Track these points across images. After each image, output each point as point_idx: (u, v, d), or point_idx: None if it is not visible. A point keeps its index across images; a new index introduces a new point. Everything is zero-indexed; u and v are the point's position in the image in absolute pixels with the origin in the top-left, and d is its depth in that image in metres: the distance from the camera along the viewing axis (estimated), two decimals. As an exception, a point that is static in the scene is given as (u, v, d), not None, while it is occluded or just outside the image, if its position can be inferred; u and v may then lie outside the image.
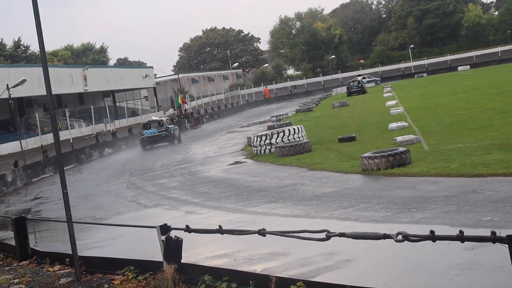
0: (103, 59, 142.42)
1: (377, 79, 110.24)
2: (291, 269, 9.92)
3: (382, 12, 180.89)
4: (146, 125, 48.22)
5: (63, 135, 56.84)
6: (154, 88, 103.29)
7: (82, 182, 32.67)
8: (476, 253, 9.15)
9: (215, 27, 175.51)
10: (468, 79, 73.75)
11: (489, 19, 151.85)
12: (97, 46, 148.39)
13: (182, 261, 9.50)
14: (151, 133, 47.27)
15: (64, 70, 78.46)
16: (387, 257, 9.88)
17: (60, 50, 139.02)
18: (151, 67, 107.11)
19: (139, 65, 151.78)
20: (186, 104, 77.48)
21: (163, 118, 52.53)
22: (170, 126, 49.05)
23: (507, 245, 5.03)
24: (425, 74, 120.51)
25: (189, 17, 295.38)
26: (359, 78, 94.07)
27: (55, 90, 61.84)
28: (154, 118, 53.59)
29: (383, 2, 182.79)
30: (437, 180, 16.34)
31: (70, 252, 11.32)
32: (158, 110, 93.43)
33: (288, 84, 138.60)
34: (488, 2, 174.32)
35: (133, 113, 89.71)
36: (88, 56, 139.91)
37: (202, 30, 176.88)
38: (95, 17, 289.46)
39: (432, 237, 5.73)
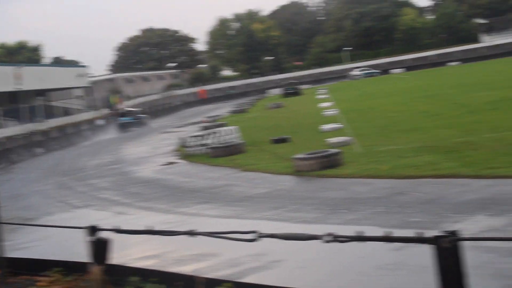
0: (38, 58, 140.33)
1: (377, 71, 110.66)
2: (220, 270, 9.83)
3: (320, 15, 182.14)
4: (123, 114, 63.19)
5: (-6, 133, 55.83)
6: (89, 88, 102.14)
7: (12, 182, 32.05)
8: (407, 254, 9.21)
9: (153, 27, 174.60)
10: (402, 82, 74.76)
11: (424, 23, 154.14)
12: (32, 44, 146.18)
13: (111, 262, 9.35)
14: (125, 120, 61.57)
15: (-4, 68, 77.00)
16: (316, 258, 9.87)
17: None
18: (86, 66, 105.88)
19: (75, 64, 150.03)
20: (121, 104, 76.86)
21: (134, 109, 66.19)
22: (141, 115, 62.59)
23: (434, 246, 5.04)
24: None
25: (127, 17, 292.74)
26: (357, 70, 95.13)
27: (-14, 88, 60.79)
28: (127, 108, 67.51)
29: (321, 5, 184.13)
30: (368, 182, 16.48)
31: (-5, 253, 11.04)
32: (92, 110, 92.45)
33: (224, 85, 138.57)
34: (423, 7, 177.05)
35: (67, 112, 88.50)
36: (22, 55, 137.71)
37: (140, 30, 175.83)
38: (30, 15, 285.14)
39: (360, 237, 5.71)
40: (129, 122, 61.25)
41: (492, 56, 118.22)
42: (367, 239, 5.77)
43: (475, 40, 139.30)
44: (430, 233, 5.13)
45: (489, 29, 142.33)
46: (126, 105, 79.26)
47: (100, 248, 9.27)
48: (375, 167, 18.07)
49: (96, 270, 9.12)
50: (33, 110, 76.90)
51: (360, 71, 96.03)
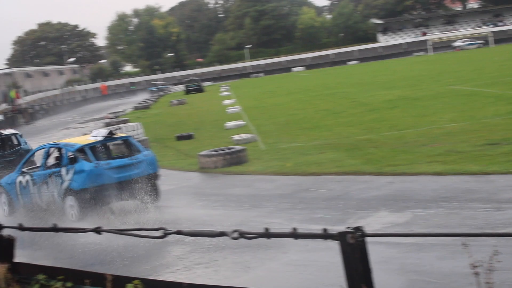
0: None
1: (481, 41, 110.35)
2: (129, 267, 9.89)
3: (220, 12, 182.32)
4: None
5: None
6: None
7: None
8: (312, 250, 9.44)
9: (50, 21, 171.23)
10: (302, 80, 75.64)
11: (322, 22, 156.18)
12: None
13: (15, 260, 9.24)
14: None
15: None
16: (223, 254, 10.02)
17: None
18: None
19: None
20: (19, 99, 75.20)
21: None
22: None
23: (338, 242, 5.20)
24: (261, 74, 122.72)
25: (24, 11, 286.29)
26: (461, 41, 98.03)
27: None
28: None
29: (220, 2, 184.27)
30: (272, 179, 16.70)
31: None
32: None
33: (126, 81, 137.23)
34: (321, 6, 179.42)
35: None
36: None
37: (37, 24, 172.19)
38: None
39: (267, 234, 5.85)
40: None
41: (388, 56, 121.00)
42: (274, 235, 5.93)
43: (373, 40, 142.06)
44: (335, 229, 5.34)
45: (385, 30, 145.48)
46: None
47: (4, 245, 9.16)
48: (279, 164, 18.32)
49: (0, 268, 9.02)
50: None
51: (463, 42, 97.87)
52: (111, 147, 18.78)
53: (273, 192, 14.89)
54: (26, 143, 24.24)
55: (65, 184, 15.48)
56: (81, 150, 15.95)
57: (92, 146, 16.39)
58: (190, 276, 9.14)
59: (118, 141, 18.21)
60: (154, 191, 15.85)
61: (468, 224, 10.06)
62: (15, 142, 24.25)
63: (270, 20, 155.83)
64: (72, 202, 15.34)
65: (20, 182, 16.64)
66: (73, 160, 15.78)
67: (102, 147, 17.40)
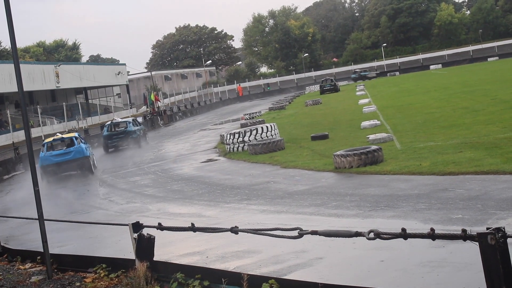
0: (76, 56, 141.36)
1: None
2: (263, 267, 9.94)
3: (355, 11, 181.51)
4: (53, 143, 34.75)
5: (35, 132, 56.49)
6: (127, 85, 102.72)
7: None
8: (450, 251, 9.22)
9: (189, 25, 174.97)
10: (440, 78, 74.27)
11: (461, 18, 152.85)
12: (70, 42, 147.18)
13: (155, 258, 9.47)
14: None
15: (36, 66, 77.84)
16: (359, 254, 9.93)
17: (32, 46, 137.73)
18: (124, 64, 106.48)
19: (112, 62, 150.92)
20: (158, 102, 77.23)
21: (126, 119, 47.08)
22: (133, 128, 44.03)
23: (477, 243, 5.06)
24: (397, 73, 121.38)
25: (163, 14, 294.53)
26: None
27: (26, 87, 61.35)
28: (116, 119, 50.53)
29: (356, 1, 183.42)
30: (409, 178, 16.43)
31: (42, 250, 11.22)
32: (130, 108, 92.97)
33: (261, 82, 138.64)
34: (460, 2, 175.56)
35: (106, 110, 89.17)
36: (61, 53, 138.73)
37: (175, 28, 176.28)
38: (67, 14, 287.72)
39: (404, 234, 5.76)
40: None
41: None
42: (411, 236, 5.82)
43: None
44: (474, 230, 5.17)
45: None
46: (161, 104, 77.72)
47: (144, 244, 9.41)
48: (416, 163, 18.01)
49: (140, 266, 9.26)
50: (73, 108, 77.65)
51: None
52: (66, 142, 32.92)
53: (409, 192, 14.64)
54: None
55: None
56: (43, 145, 31.71)
57: (49, 142, 31.88)
58: (323, 275, 9.09)
59: (67, 139, 32.66)
60: (86, 167, 31.14)
61: None
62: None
63: (406, 18, 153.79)
64: (39, 173, 27.21)
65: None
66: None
67: (59, 142, 32.78)
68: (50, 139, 32.27)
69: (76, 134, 33.74)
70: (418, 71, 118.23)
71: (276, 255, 10.51)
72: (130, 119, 46.17)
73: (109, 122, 45.80)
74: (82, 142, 32.74)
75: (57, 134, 34.90)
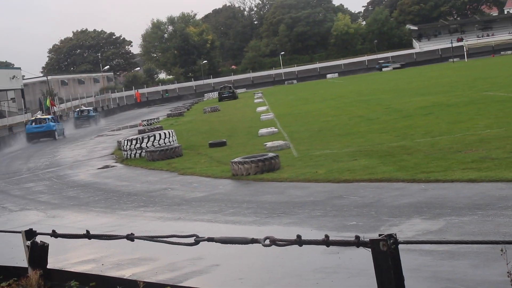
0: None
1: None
2: (160, 274, 9.89)
3: (254, 19, 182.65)
4: (34, 120, 57.27)
5: None
6: (22, 90, 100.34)
7: None
8: (340, 257, 9.37)
9: (86, 29, 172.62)
10: (336, 87, 75.62)
11: (357, 28, 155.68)
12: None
13: (48, 266, 9.28)
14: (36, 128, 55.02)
15: None
16: (255, 261, 9.99)
17: None
18: (19, 68, 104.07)
19: (6, 65, 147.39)
20: (54, 107, 75.95)
21: (48, 116, 59.96)
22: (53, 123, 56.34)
23: (370, 249, 5.16)
24: (295, 81, 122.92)
25: (59, 18, 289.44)
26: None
27: None
28: (39, 116, 62.62)
29: (255, 9, 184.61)
30: (305, 186, 16.64)
31: None
32: (25, 113, 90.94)
33: (160, 88, 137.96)
34: (356, 12, 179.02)
35: (0, 115, 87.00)
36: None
37: (73, 32, 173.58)
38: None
39: (299, 241, 5.81)
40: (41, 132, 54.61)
41: (422, 62, 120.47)
42: (306, 242, 5.89)
43: (408, 46, 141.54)
44: (368, 237, 5.28)
45: (420, 36, 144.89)
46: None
47: (37, 252, 9.20)
48: (312, 171, 18.25)
49: (33, 274, 9.05)
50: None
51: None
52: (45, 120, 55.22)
53: (306, 199, 14.83)
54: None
55: None
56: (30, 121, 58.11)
57: (34, 119, 56.45)
58: (219, 283, 9.11)
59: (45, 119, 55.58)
60: (52, 136, 53.80)
61: (503, 232, 9.91)
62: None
63: (304, 27, 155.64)
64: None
65: None
66: None
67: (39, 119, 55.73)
68: (33, 118, 61.04)
69: (50, 116, 58.85)
70: (315, 79, 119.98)
71: (172, 262, 10.47)
72: (50, 116, 59.45)
73: (32, 118, 61.85)
74: (51, 121, 56.13)
75: (37, 115, 64.80)
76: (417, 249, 9.06)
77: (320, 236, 5.87)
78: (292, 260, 9.59)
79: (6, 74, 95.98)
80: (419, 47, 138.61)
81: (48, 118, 55.58)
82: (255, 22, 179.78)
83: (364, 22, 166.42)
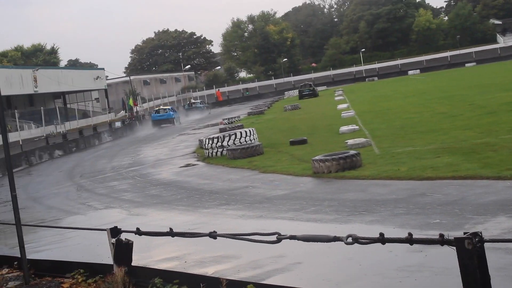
0: (54, 60, 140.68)
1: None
2: (242, 272, 9.92)
3: (334, 16, 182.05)
4: (157, 110, 73.75)
5: (12, 136, 56.05)
6: (106, 90, 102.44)
7: (31, 184, 32.23)
8: (424, 256, 9.25)
9: (168, 29, 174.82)
10: (418, 83, 74.62)
11: (439, 24, 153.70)
12: (48, 47, 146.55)
13: (133, 263, 9.42)
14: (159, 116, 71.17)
15: (13, 71, 77.47)
16: (337, 259, 9.93)
17: (10, 51, 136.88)
18: (103, 68, 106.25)
19: (91, 66, 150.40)
20: (136, 106, 77.18)
21: (168, 107, 77.00)
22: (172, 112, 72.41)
23: (454, 248, 5.08)
24: (376, 78, 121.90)
25: (141, 19, 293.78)
26: None
27: (4, 91, 61.01)
28: (162, 107, 78.50)
29: (335, 6, 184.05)
30: (387, 183, 16.48)
31: (19, 255, 11.14)
32: (109, 112, 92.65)
33: (240, 86, 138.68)
34: (438, 7, 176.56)
35: (84, 115, 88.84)
36: (39, 57, 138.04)
37: (154, 32, 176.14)
38: (46, 18, 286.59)
39: (382, 239, 5.77)
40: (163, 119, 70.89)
41: (507, 57, 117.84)
42: (389, 241, 5.83)
43: (491, 41, 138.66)
44: (452, 235, 5.19)
45: (504, 30, 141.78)
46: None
47: (122, 249, 9.36)
48: (394, 168, 18.07)
49: (118, 271, 9.21)
50: (51, 112, 77.25)
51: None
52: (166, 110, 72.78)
53: (388, 196, 14.68)
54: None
55: None
56: (154, 110, 75.76)
57: (157, 110, 74.30)
58: (302, 280, 9.09)
59: (167, 109, 73.15)
60: (172, 122, 69.13)
61: None
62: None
63: (385, 23, 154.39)
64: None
65: None
66: None
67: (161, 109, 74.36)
68: (157, 108, 76.87)
69: (170, 107, 75.53)
70: (396, 76, 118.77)
71: (254, 260, 10.49)
72: (170, 107, 76.26)
73: (156, 109, 77.20)
74: (170, 111, 72.24)
75: (161, 106, 79.49)
76: (503, 247, 8.86)
77: (403, 234, 5.80)
78: (374, 259, 9.50)
79: (90, 74, 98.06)
80: (504, 41, 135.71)
81: (169, 109, 73.72)
82: (335, 20, 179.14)
83: (446, 18, 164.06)
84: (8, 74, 72.01)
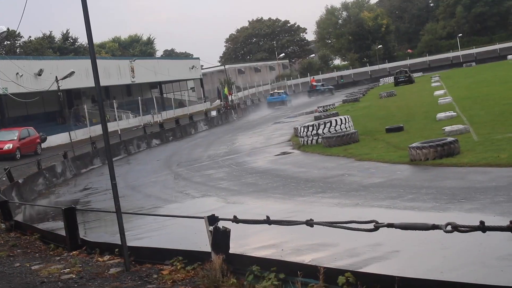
0: (150, 51, 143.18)
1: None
2: (339, 260, 9.90)
3: (430, 1, 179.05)
4: (272, 94, 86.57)
5: (111, 126, 57.29)
6: (201, 79, 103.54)
7: (130, 173, 32.86)
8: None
9: (261, 18, 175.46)
10: (518, 68, 72.79)
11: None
12: (144, 37, 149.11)
13: (230, 251, 9.50)
14: (274, 99, 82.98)
15: (111, 62, 79.16)
16: (435, 248, 9.80)
17: (107, 42, 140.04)
18: (198, 58, 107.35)
19: (186, 56, 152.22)
20: (231, 95, 77.77)
21: (282, 91, 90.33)
22: (285, 96, 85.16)
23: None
24: (473, 63, 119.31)
25: (235, 8, 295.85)
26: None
27: (103, 82, 62.08)
28: (276, 91, 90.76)
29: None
30: (486, 171, 16.17)
31: (119, 243, 11.38)
32: (204, 101, 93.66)
33: (335, 74, 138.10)
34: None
35: (180, 104, 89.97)
36: (135, 48, 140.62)
37: (248, 21, 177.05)
38: (141, 9, 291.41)
39: (482, 227, 5.66)
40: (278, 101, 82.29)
41: None
42: (489, 229, 5.71)
43: None
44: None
45: None
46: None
47: (220, 237, 9.45)
48: (494, 155, 17.70)
49: (216, 259, 9.31)
50: (148, 102, 78.63)
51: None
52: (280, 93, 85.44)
53: (487, 184, 14.40)
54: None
55: None
56: (270, 94, 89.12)
57: (272, 93, 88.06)
58: (400, 269, 9.00)
59: (280, 92, 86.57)
60: (285, 104, 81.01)
61: None
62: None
63: (483, 7, 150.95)
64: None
65: None
66: None
67: (276, 92, 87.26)
68: (272, 92, 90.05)
69: (282, 91, 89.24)
70: (495, 61, 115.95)
71: (351, 248, 10.45)
72: (283, 91, 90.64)
73: (271, 92, 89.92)
74: (283, 94, 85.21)
75: (275, 91, 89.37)
76: None
77: (504, 222, 5.68)
78: (474, 247, 9.34)
79: (186, 64, 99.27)
80: None
81: (282, 92, 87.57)
82: (431, 5, 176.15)
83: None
84: (106, 65, 73.57)
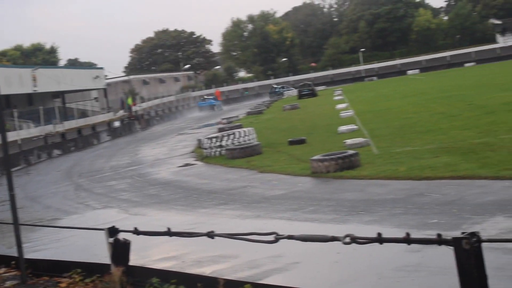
0: (53, 60, 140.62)
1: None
2: (240, 271, 9.89)
3: (334, 16, 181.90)
4: (203, 99, 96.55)
5: (11, 136, 55.98)
6: (105, 89, 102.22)
7: (29, 183, 32.18)
8: (422, 256, 9.23)
9: (167, 29, 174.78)
10: (417, 83, 74.65)
11: (438, 23, 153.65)
12: (47, 46, 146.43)
13: (130, 263, 9.39)
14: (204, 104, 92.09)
15: (13, 70, 77.33)
16: (335, 259, 9.91)
17: (9, 50, 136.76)
18: (102, 68, 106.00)
19: (90, 66, 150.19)
20: (136, 106, 77.21)
21: (211, 97, 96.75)
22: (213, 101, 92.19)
23: (452, 247, 5.07)
24: (375, 78, 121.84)
25: (141, 19, 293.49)
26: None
27: (3, 90, 60.78)
28: (205, 96, 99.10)
29: (335, 6, 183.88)
30: (385, 183, 16.48)
31: (16, 255, 11.11)
32: (108, 112, 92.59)
33: (240, 86, 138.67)
34: (438, 7, 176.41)
35: (83, 114, 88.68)
36: (38, 57, 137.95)
37: (154, 32, 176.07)
38: (45, 17, 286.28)
39: (380, 239, 5.75)
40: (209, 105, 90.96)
41: (507, 57, 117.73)
42: (386, 240, 5.82)
43: (491, 41, 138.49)
44: (450, 235, 5.18)
45: (504, 30, 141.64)
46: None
47: (120, 249, 9.33)
48: (392, 168, 18.08)
49: (116, 271, 9.18)
50: (50, 112, 77.17)
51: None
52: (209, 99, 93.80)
53: (386, 196, 14.69)
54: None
55: None
56: (201, 98, 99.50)
57: (203, 98, 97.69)
58: (299, 280, 9.07)
59: (209, 98, 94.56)
60: (213, 108, 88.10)
61: None
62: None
63: (385, 23, 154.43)
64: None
65: None
66: None
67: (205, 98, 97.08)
68: (202, 97, 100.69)
69: (212, 97, 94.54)
70: (396, 76, 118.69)
71: (252, 259, 10.46)
72: (212, 97, 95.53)
73: (202, 98, 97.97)
74: (212, 99, 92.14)
75: (205, 96, 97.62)
76: (501, 247, 8.84)
77: (401, 234, 5.78)
78: (372, 258, 9.48)
79: (89, 74, 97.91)
80: (503, 41, 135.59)
81: (211, 98, 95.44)
82: (335, 19, 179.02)
83: (446, 17, 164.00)
84: (7, 74, 71.84)
